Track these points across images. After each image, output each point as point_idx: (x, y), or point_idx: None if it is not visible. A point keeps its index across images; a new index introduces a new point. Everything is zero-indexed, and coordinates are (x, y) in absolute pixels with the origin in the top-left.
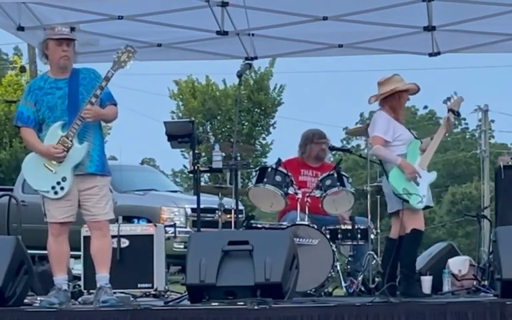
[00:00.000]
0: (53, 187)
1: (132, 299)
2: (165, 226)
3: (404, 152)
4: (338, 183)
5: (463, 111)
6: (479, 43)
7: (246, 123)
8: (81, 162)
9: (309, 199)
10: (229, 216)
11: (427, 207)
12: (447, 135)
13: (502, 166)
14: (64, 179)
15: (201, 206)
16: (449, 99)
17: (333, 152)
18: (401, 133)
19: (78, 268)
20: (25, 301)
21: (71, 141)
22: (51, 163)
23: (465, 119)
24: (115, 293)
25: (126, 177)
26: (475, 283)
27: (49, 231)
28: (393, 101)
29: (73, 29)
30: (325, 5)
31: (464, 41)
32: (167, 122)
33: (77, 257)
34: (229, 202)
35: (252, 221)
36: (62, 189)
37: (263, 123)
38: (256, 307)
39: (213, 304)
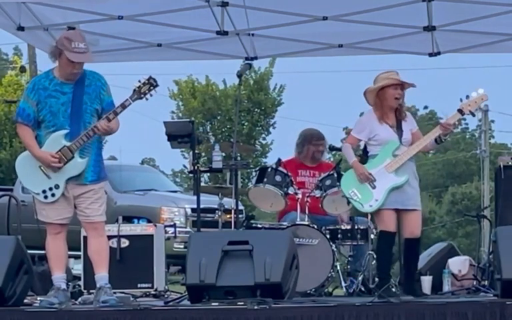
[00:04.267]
0: (44, 191)
1: (132, 299)
2: (165, 226)
3: (377, 152)
4: (338, 183)
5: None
6: (479, 43)
7: (246, 123)
8: (79, 174)
9: (308, 199)
10: (228, 216)
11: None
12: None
13: (502, 166)
14: (57, 186)
15: (201, 206)
16: (467, 96)
17: (333, 152)
18: (378, 133)
19: (78, 268)
20: (25, 301)
21: (73, 153)
22: (48, 168)
23: (465, 119)
24: (114, 292)
25: (126, 177)
26: (474, 282)
27: (47, 229)
28: (375, 99)
29: (72, 29)
30: (325, 5)
31: (464, 41)
32: (167, 122)
33: (76, 257)
34: (229, 202)
35: (252, 221)
36: (53, 195)
37: (263, 122)
38: (256, 307)
39: (213, 304)
